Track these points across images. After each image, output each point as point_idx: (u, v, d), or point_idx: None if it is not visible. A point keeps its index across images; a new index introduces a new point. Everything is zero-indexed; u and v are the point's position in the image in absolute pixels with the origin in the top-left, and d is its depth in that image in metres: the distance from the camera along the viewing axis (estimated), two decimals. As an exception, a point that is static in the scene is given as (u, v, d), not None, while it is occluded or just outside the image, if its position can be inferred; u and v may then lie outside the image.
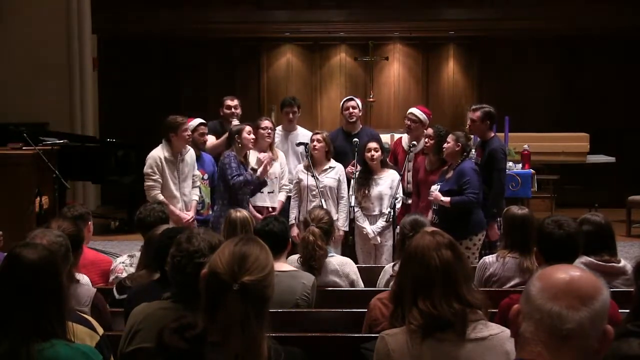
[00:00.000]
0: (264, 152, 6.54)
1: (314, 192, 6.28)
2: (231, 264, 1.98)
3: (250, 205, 6.32)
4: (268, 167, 6.25)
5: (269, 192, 6.51)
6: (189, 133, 6.25)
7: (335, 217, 6.26)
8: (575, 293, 1.65)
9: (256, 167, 6.22)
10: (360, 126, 6.97)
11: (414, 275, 2.47)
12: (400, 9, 11.73)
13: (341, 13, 12.03)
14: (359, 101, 6.98)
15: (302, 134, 7.01)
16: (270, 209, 6.48)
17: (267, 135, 6.53)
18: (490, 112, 6.30)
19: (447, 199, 5.83)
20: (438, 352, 2.34)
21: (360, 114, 6.95)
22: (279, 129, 6.97)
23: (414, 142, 6.56)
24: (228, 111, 7.08)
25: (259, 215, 6.21)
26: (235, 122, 6.86)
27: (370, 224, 6.28)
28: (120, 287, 3.92)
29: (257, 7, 11.85)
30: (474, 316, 2.40)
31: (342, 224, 6.35)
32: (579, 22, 11.64)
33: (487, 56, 12.66)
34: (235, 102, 7.16)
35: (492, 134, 6.36)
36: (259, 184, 6.26)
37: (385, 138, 7.65)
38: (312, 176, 6.27)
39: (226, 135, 6.66)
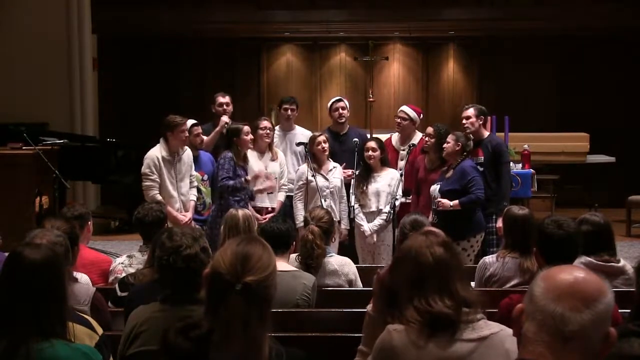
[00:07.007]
0: (263, 152, 6.53)
1: (324, 193, 6.28)
2: (234, 263, 1.97)
3: (249, 206, 6.30)
4: (260, 187, 6.25)
5: (268, 193, 6.47)
6: (187, 134, 6.22)
7: (338, 217, 6.27)
8: (578, 295, 1.64)
9: (250, 178, 6.21)
10: (348, 126, 6.97)
11: (408, 274, 2.47)
12: (400, 9, 11.72)
13: (341, 13, 12.02)
14: (347, 102, 7.02)
15: (301, 133, 6.99)
16: (270, 209, 6.46)
17: (265, 135, 6.51)
18: (482, 109, 6.43)
19: (455, 202, 5.83)
20: (440, 351, 2.34)
21: (348, 115, 6.96)
22: (277, 128, 6.94)
23: (413, 143, 6.58)
24: (220, 108, 6.95)
25: (259, 216, 6.21)
26: (225, 119, 6.79)
27: (368, 221, 6.29)
28: (122, 284, 3.92)
29: (257, 7, 11.84)
30: (476, 315, 2.41)
31: (346, 224, 6.40)
32: (579, 22, 11.63)
33: (487, 56, 12.65)
34: (227, 98, 7.02)
35: (487, 132, 6.49)
36: (250, 196, 6.27)
37: (385, 138, 7.63)
38: (313, 176, 6.26)
39: (217, 130, 6.68)
